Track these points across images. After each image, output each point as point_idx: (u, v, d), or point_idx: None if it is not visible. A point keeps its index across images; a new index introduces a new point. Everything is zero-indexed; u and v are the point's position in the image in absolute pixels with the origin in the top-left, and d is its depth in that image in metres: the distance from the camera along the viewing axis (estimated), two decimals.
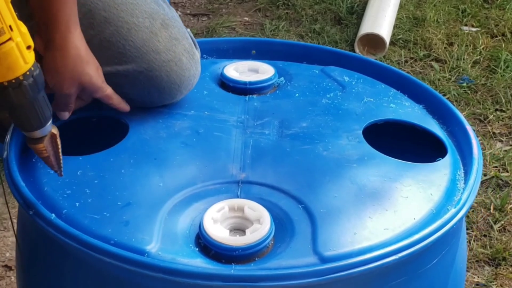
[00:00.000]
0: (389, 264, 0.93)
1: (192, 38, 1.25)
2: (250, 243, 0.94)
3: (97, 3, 1.16)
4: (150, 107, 1.21)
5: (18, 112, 0.91)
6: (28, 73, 0.87)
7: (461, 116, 1.22)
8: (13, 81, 0.86)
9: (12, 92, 0.87)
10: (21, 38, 0.86)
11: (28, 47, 0.87)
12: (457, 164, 1.15)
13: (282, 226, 0.99)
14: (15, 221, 1.22)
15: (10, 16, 0.84)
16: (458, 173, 1.12)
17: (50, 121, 0.96)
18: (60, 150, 1.00)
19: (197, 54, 1.25)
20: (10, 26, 0.84)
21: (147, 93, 1.19)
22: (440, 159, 1.15)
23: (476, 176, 1.08)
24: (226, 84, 1.31)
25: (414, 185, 1.08)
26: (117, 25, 1.16)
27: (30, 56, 0.88)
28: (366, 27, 2.75)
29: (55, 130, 0.98)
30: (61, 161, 1.01)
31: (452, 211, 1.01)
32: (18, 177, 1.03)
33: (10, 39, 0.84)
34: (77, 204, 1.00)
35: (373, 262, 0.92)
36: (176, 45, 1.19)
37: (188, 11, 3.02)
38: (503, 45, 2.81)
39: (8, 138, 1.12)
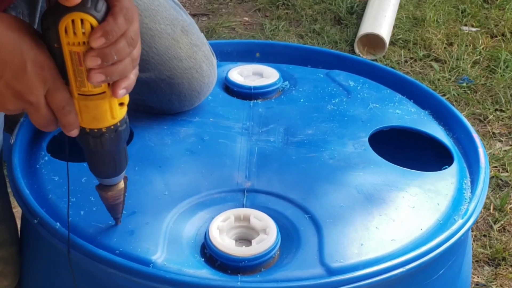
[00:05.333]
0: (396, 277, 0.92)
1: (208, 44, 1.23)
2: (256, 254, 0.92)
3: None
4: (168, 114, 1.19)
5: (92, 158, 0.91)
6: (112, 127, 0.86)
7: (467, 123, 1.21)
8: (95, 130, 0.86)
9: (92, 140, 0.87)
10: None
11: (121, 104, 0.86)
12: (464, 173, 1.14)
13: (288, 236, 0.98)
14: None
15: None
16: (465, 181, 1.11)
17: (123, 173, 0.94)
18: (124, 199, 0.96)
19: (214, 60, 1.23)
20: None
21: (168, 101, 1.17)
22: (446, 167, 1.14)
23: (483, 186, 1.07)
24: (231, 89, 1.29)
25: (421, 194, 1.07)
26: (141, 31, 1.14)
27: (120, 113, 0.86)
28: (366, 27, 2.73)
29: (124, 180, 0.95)
30: (123, 210, 0.97)
31: (460, 222, 1.00)
32: (22, 184, 1.02)
33: (104, 92, 0.83)
34: (82, 212, 0.99)
35: (380, 274, 0.92)
36: (196, 51, 1.18)
37: (188, 11, 2.98)
38: (503, 45, 2.80)
39: (12, 141, 1.10)
